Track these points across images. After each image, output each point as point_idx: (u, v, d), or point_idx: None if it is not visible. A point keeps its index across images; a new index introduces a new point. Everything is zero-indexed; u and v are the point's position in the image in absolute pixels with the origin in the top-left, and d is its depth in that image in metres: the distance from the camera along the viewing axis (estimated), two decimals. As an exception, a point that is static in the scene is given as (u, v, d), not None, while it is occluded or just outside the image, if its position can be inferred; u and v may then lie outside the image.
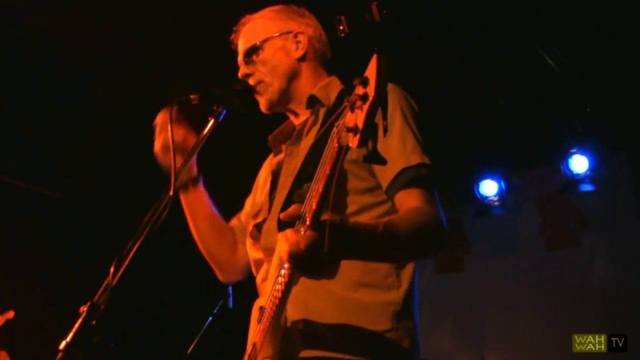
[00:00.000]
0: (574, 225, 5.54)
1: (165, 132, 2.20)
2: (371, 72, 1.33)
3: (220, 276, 2.44)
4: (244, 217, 2.39)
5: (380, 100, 1.31)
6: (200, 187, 2.34)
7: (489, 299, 5.79)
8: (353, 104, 1.36)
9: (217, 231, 2.37)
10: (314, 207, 1.46)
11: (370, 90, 1.31)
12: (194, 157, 2.22)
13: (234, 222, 2.43)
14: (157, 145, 2.24)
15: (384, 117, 1.34)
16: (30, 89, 4.92)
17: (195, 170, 2.32)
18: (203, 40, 4.29)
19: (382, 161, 1.39)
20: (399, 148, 1.87)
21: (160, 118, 2.24)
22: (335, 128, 1.46)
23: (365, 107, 1.31)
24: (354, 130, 1.33)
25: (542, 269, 5.57)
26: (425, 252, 1.86)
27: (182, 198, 2.33)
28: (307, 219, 1.48)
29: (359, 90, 1.34)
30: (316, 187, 1.47)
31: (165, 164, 2.23)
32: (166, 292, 6.46)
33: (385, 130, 1.34)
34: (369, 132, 1.31)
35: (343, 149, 1.40)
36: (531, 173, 5.83)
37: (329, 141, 1.49)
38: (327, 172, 1.44)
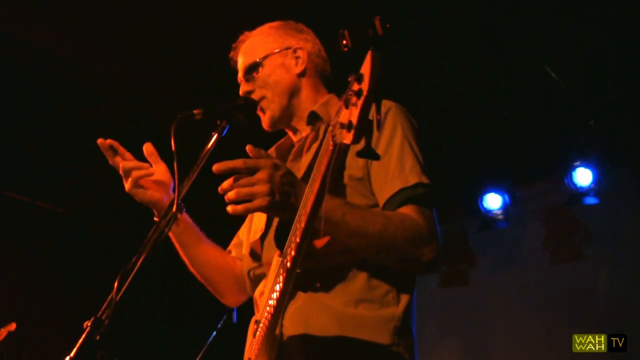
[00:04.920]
0: (579, 239, 5.52)
1: (136, 171, 2.10)
2: (365, 68, 1.35)
3: (228, 301, 2.35)
4: (242, 234, 2.35)
5: (374, 96, 1.32)
6: (185, 216, 2.23)
7: (494, 313, 5.76)
8: (348, 100, 1.37)
9: (213, 255, 2.30)
10: (308, 210, 1.45)
11: (365, 85, 1.33)
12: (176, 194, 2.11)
13: (234, 242, 2.39)
14: (128, 185, 2.11)
15: (378, 112, 1.35)
16: (35, 105, 4.94)
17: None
18: (207, 56, 4.31)
19: (375, 156, 1.40)
20: (397, 168, 1.85)
21: (121, 162, 2.12)
22: (330, 127, 1.47)
23: (360, 102, 1.32)
24: (347, 126, 1.35)
25: (546, 282, 5.56)
26: (400, 260, 1.77)
27: (170, 234, 2.19)
28: (302, 222, 1.47)
29: (354, 87, 1.36)
30: (311, 189, 1.47)
31: (145, 199, 2.13)
32: (170, 306, 6.45)
33: (379, 125, 1.35)
34: (363, 128, 1.33)
35: (337, 147, 1.41)
36: (535, 186, 5.81)
37: (323, 143, 1.49)
38: (322, 170, 1.44)
